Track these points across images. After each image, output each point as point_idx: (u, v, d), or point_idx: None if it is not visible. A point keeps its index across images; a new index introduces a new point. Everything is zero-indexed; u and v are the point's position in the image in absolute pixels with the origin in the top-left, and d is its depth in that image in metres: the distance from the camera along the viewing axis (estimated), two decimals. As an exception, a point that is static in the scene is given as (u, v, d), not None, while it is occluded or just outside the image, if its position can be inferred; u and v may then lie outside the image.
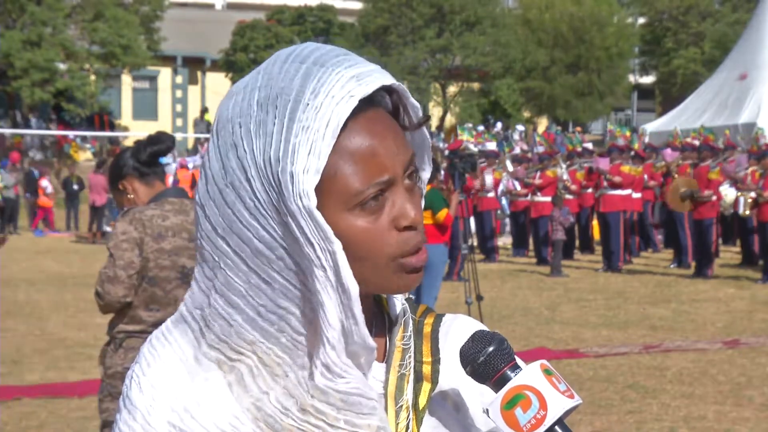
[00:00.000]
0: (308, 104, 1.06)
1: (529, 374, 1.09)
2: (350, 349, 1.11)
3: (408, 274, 1.13)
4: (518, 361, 1.13)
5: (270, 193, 1.07)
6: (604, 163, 17.61)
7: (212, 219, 1.12)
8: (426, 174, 1.23)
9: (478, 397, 1.21)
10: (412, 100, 1.17)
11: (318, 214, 1.06)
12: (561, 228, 16.45)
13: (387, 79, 1.12)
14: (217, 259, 1.13)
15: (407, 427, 1.16)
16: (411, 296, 1.28)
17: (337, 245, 1.07)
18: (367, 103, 1.11)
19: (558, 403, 1.07)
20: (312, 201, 1.06)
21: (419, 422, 1.17)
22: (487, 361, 1.11)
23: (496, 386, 1.11)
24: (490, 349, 1.12)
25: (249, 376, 1.12)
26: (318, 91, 1.07)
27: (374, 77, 1.11)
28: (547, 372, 1.09)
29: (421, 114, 1.18)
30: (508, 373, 1.10)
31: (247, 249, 1.10)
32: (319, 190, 1.08)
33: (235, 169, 1.09)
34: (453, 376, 1.21)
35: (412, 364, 1.20)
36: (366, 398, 1.11)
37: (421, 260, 1.14)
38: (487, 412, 1.10)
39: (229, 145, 1.10)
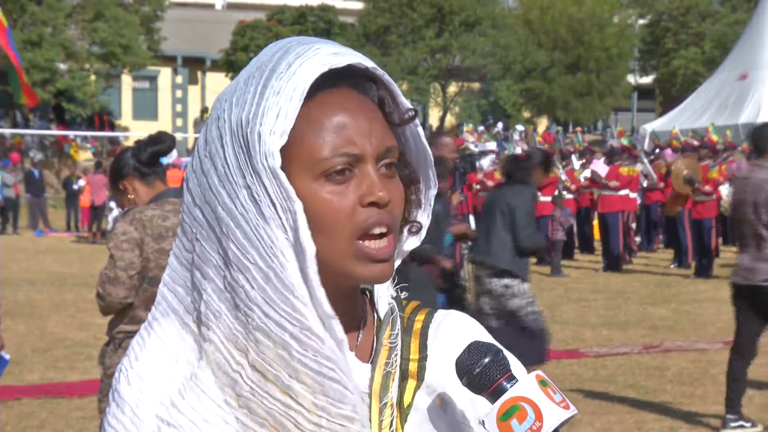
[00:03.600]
0: (282, 72, 1.09)
1: (525, 386, 1.09)
2: None
3: (373, 264, 1.12)
4: (514, 371, 1.13)
5: (238, 156, 1.09)
6: (599, 167, 17.64)
7: (192, 190, 1.15)
8: (433, 191, 1.23)
9: (466, 393, 1.20)
10: (403, 98, 1.18)
11: (282, 174, 1.08)
12: (561, 228, 16.44)
13: (368, 62, 1.14)
14: (194, 230, 1.14)
15: (391, 425, 1.16)
16: (401, 294, 1.28)
17: (298, 205, 1.08)
18: (348, 86, 1.13)
19: (554, 415, 1.08)
20: (277, 161, 1.08)
21: (403, 420, 1.17)
22: (483, 372, 1.11)
23: (492, 397, 1.11)
24: (486, 360, 1.12)
25: (217, 353, 1.11)
26: (293, 62, 1.10)
27: (354, 56, 1.12)
28: (542, 383, 1.09)
29: (411, 113, 1.18)
30: (504, 384, 1.11)
31: (213, 216, 1.11)
32: (286, 155, 1.09)
33: (215, 138, 1.12)
34: (440, 373, 1.21)
35: (399, 362, 1.20)
36: (342, 386, 1.10)
37: (383, 252, 1.12)
38: (483, 423, 1.11)
39: (214, 118, 1.14)
